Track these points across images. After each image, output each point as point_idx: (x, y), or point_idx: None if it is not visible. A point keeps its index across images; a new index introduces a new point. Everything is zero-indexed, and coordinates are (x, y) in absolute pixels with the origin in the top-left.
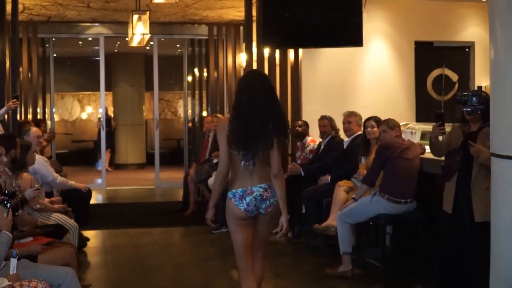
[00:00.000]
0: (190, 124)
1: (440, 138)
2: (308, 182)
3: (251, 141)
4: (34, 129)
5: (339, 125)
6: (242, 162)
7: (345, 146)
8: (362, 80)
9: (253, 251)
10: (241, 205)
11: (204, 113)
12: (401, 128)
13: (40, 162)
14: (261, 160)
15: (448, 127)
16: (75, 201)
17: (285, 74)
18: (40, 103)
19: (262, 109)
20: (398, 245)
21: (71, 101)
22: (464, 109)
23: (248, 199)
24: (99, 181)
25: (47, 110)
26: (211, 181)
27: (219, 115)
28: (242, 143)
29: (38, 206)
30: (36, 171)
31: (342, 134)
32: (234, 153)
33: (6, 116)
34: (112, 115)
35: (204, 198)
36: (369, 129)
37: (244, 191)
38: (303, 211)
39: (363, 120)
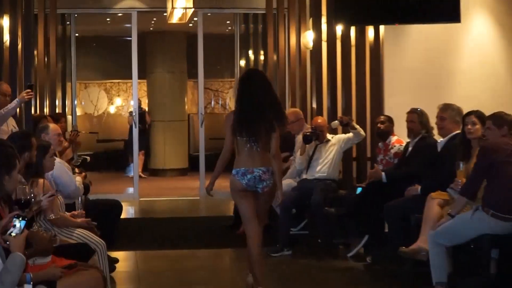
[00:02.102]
0: None
1: None
2: (392, 193)
3: (256, 128)
4: (52, 126)
5: (434, 122)
6: (247, 146)
7: (439, 149)
8: (461, 65)
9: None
10: (243, 180)
11: None
12: None
13: (61, 168)
14: (263, 145)
15: None
16: (102, 214)
17: (362, 58)
18: (59, 93)
19: (263, 100)
20: (505, 273)
21: (96, 91)
22: None
23: (249, 176)
24: (131, 190)
25: (67, 102)
26: None
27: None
28: (248, 130)
29: (52, 216)
30: (55, 178)
31: (436, 134)
32: (240, 139)
33: (18, 110)
34: (146, 109)
35: None
36: (469, 126)
37: (246, 170)
38: (386, 229)
39: (462, 116)
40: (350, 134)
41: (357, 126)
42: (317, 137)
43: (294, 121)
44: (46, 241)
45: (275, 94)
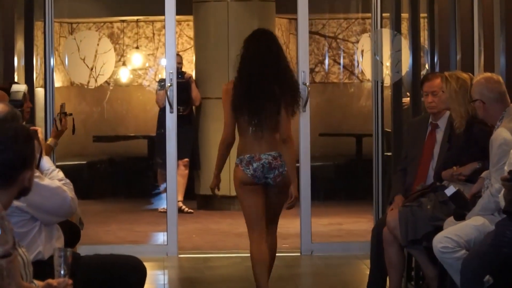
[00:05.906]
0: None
1: None
2: None
3: (258, 106)
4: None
5: None
6: (250, 129)
7: None
8: None
9: (266, 226)
10: (248, 170)
11: (425, 70)
12: None
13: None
14: (270, 126)
15: None
16: (105, 286)
17: None
18: (19, 44)
19: (266, 71)
20: None
21: (93, 40)
22: None
23: (255, 165)
24: (161, 238)
25: (36, 61)
26: (443, 241)
27: (464, 75)
28: (248, 108)
29: None
30: (27, 204)
31: None
32: (242, 118)
33: None
34: (193, 75)
35: (425, 283)
36: None
37: (252, 157)
38: None
39: None
40: None
41: None
42: None
43: (490, 99)
44: None
45: (287, 62)
